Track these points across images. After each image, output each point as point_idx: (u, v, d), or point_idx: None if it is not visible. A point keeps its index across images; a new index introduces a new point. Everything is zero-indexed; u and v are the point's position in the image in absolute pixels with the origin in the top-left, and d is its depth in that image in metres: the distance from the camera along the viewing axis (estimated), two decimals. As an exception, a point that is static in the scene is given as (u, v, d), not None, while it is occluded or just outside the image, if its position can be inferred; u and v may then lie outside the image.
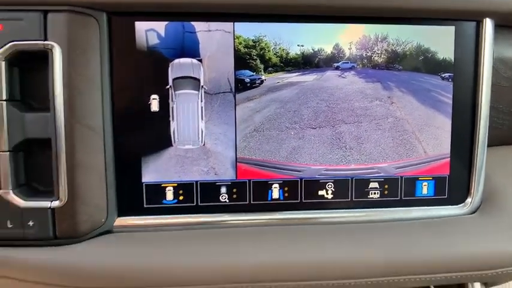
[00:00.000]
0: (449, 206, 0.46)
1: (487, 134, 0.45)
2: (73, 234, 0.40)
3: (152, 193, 0.43)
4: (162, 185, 0.43)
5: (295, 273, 0.40)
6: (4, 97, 0.38)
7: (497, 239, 0.43)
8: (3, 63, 0.37)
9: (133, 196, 0.42)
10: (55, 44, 0.38)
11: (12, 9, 0.38)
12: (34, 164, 0.40)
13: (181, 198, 0.43)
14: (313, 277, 0.40)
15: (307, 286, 0.41)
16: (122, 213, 0.42)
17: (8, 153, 0.38)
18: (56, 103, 0.38)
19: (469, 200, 0.46)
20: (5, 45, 0.37)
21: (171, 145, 0.42)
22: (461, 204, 0.46)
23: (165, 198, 0.43)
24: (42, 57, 0.38)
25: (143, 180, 0.42)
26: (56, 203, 0.39)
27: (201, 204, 0.43)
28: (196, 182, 0.43)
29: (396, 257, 0.41)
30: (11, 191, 0.39)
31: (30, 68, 0.39)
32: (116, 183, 0.42)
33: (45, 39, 0.38)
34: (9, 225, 0.39)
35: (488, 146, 0.48)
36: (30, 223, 0.39)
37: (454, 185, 0.46)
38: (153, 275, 0.39)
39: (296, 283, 0.40)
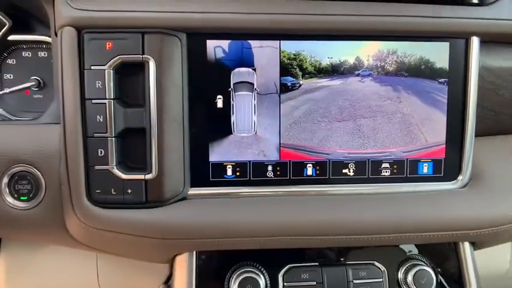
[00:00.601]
0: (444, 182, 0.59)
1: (474, 126, 0.58)
2: (160, 200, 0.53)
3: (216, 170, 0.56)
4: (224, 164, 0.56)
5: (324, 229, 0.53)
6: (112, 96, 0.51)
7: (481, 206, 0.56)
8: (112, 71, 0.51)
9: (203, 172, 0.55)
10: (150, 57, 0.51)
11: (120, 31, 0.51)
12: (130, 147, 0.53)
13: (238, 174, 0.56)
14: (339, 232, 0.53)
15: (335, 240, 0.53)
16: (194, 185, 0.55)
17: (114, 138, 0.51)
18: (150, 101, 0.51)
19: (460, 177, 0.58)
20: (113, 58, 0.50)
21: (231, 133, 0.55)
22: (454, 181, 0.59)
23: (226, 174, 0.56)
24: (138, 67, 0.51)
25: (210, 160, 0.55)
26: (149, 176, 0.52)
27: (253, 179, 0.56)
28: (250, 161, 0.56)
29: (401, 219, 0.54)
30: (115, 167, 0.52)
31: (127, 75, 0.52)
32: (190, 162, 0.54)
33: (143, 54, 0.51)
34: (113, 193, 0.52)
35: (477, 136, 0.60)
36: (129, 191, 0.52)
37: (448, 166, 0.58)
38: (219, 229, 0.52)
39: (325, 237, 0.53)
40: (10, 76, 0.66)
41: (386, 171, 0.58)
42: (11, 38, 0.64)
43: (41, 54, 0.66)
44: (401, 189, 0.58)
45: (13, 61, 0.65)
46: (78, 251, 0.68)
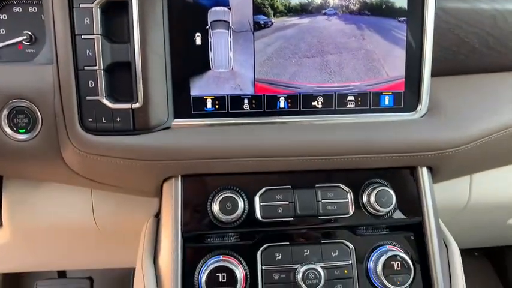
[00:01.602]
0: (404, 113, 0.65)
1: (431, 61, 0.64)
2: (146, 127, 0.59)
3: (197, 103, 0.61)
4: (204, 97, 0.61)
5: (295, 150, 0.60)
6: (100, 32, 0.56)
7: (436, 132, 0.62)
8: (98, 9, 0.55)
9: (185, 104, 0.61)
10: None
11: None
12: (117, 81, 0.58)
13: (217, 106, 0.62)
14: (309, 153, 0.60)
15: (306, 161, 0.60)
16: (177, 116, 0.61)
17: (102, 71, 0.57)
18: (134, 37, 0.56)
19: (418, 108, 0.65)
20: (100, -3, 0.55)
21: (210, 69, 0.61)
22: (413, 112, 0.65)
23: (206, 106, 0.62)
24: (122, 7, 0.56)
25: (191, 94, 0.61)
26: (135, 105, 0.58)
27: (231, 111, 0.62)
28: (227, 95, 0.62)
29: (365, 141, 0.61)
30: (104, 97, 0.57)
31: (113, 14, 0.57)
32: (173, 95, 0.60)
33: (126, -6, 0.56)
34: (104, 121, 0.58)
35: (437, 75, 0.66)
36: (118, 119, 0.58)
37: (407, 98, 0.65)
38: (201, 151, 0.59)
39: (296, 158, 0.60)
40: (2, 31, 0.70)
41: (351, 104, 0.64)
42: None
43: (32, 9, 0.70)
44: (365, 120, 0.64)
45: (4, 16, 0.70)
46: (73, 188, 0.74)
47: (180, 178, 0.63)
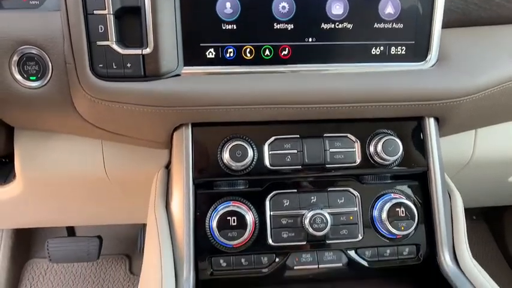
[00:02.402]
0: (414, 63, 0.65)
1: (442, 10, 0.63)
2: (156, 74, 0.59)
3: (207, 51, 0.61)
4: (214, 45, 0.61)
5: (305, 97, 0.60)
6: (108, -25, 0.55)
7: (445, 81, 0.63)
8: None
9: (194, 52, 0.61)
10: None
11: None
12: (127, 27, 0.58)
13: (227, 54, 0.62)
14: (319, 101, 0.60)
15: (316, 109, 0.61)
16: (187, 64, 0.61)
17: (112, 15, 0.56)
18: None
19: (428, 57, 0.65)
20: None
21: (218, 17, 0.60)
22: (423, 62, 0.65)
23: (216, 54, 0.61)
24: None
25: (201, 42, 0.61)
26: (145, 51, 0.58)
27: (240, 59, 0.62)
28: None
29: (374, 91, 0.61)
30: (114, 43, 0.57)
31: None
32: (183, 42, 0.60)
33: None
34: (114, 67, 0.58)
35: (448, 27, 0.65)
36: (128, 65, 0.58)
37: (417, 49, 0.64)
38: (211, 97, 0.60)
39: (306, 106, 0.60)
40: None
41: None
42: None
43: None
44: (374, 69, 0.64)
45: None
46: (84, 140, 0.75)
47: (190, 126, 0.64)
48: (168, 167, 0.77)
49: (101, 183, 0.80)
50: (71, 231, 1.53)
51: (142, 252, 1.53)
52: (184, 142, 0.64)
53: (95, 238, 1.45)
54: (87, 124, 0.65)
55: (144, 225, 1.54)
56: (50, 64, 0.60)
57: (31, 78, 0.61)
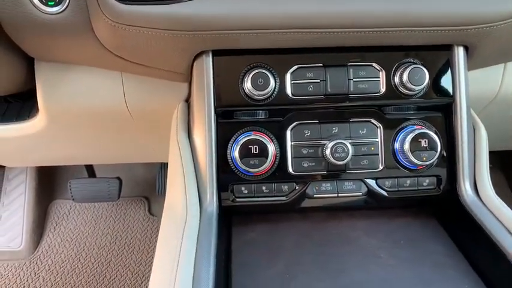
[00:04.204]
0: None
1: None
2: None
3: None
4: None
5: (328, 21, 0.58)
6: None
7: (477, 4, 0.59)
8: None
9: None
10: None
11: None
12: None
13: None
14: (338, 25, 0.58)
15: (341, 34, 0.59)
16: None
17: None
18: None
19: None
20: None
21: None
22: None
23: None
24: None
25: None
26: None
27: None
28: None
29: (402, 14, 0.58)
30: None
31: None
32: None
33: None
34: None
35: None
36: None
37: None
38: (234, 20, 0.57)
39: (328, 30, 0.58)
40: None
41: None
42: None
43: None
44: None
45: None
46: (105, 73, 0.75)
47: (210, 54, 0.63)
48: (188, 100, 0.77)
49: (122, 117, 0.81)
50: (91, 173, 1.58)
51: (161, 193, 1.59)
52: (205, 70, 0.63)
53: (114, 179, 1.50)
54: (107, 53, 0.65)
55: (162, 167, 1.59)
56: (67, -12, 0.58)
57: (49, 3, 0.59)
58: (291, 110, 0.65)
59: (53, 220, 1.63)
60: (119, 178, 1.50)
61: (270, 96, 0.63)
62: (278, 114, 0.65)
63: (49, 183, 1.67)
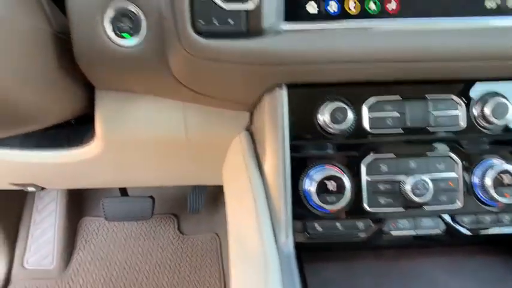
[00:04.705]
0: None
1: None
2: (258, 30, 0.55)
3: (309, 5, 0.57)
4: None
5: (413, 53, 0.56)
6: None
7: None
8: None
9: (296, 7, 0.56)
10: None
11: None
12: None
13: (330, 9, 0.57)
14: (427, 58, 0.56)
15: (423, 67, 0.57)
16: (288, 19, 0.57)
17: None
18: None
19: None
20: None
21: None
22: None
23: (319, 9, 0.57)
24: None
25: (304, -6, 0.56)
26: (250, 6, 0.54)
27: (340, 14, 0.58)
28: (341, -4, 0.57)
29: (489, 48, 0.56)
30: (214, -3, 0.54)
31: None
32: (285, -6, 0.56)
33: None
34: (216, 23, 0.55)
35: None
36: (230, 21, 0.55)
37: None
38: (312, 54, 0.56)
39: (413, 63, 0.56)
40: None
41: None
42: None
43: None
44: (489, 24, 0.58)
45: None
46: (166, 102, 0.73)
47: (285, 87, 0.61)
48: (248, 129, 0.75)
49: (179, 143, 0.79)
50: (122, 190, 1.57)
51: (193, 212, 1.57)
52: (279, 103, 0.61)
53: (147, 198, 1.49)
54: (177, 85, 0.63)
55: (196, 187, 1.57)
56: (144, 20, 0.57)
57: (124, 35, 0.58)
58: (367, 144, 0.63)
59: (82, 238, 1.61)
60: (152, 197, 1.49)
61: (347, 130, 0.61)
62: (353, 148, 0.63)
63: (79, 200, 1.66)
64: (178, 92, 0.65)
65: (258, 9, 0.54)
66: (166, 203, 1.70)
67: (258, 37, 0.55)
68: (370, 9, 0.58)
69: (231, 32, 0.55)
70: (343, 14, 0.57)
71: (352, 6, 0.57)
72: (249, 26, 0.55)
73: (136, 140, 0.78)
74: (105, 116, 0.75)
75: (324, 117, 0.60)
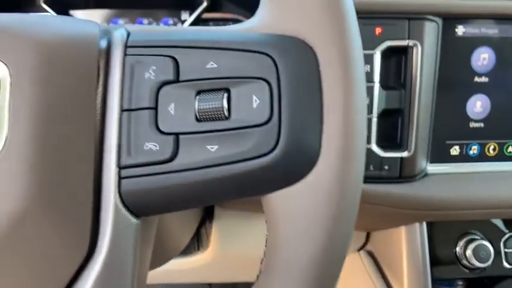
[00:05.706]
0: None
1: None
2: (410, 175, 0.58)
3: (454, 147, 0.60)
4: (458, 143, 0.60)
5: None
6: (377, 80, 0.55)
7: None
8: (379, 54, 0.54)
9: (441, 151, 0.59)
10: (417, 43, 0.54)
11: (389, 16, 0.54)
12: (381, 128, 0.57)
13: (474, 151, 0.60)
14: None
15: None
16: (433, 161, 0.60)
17: (375, 119, 0.56)
18: (412, 83, 0.55)
19: None
20: (383, 43, 0.54)
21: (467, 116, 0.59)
22: None
23: (465, 152, 0.60)
24: (401, 52, 0.55)
25: (446, 141, 0.59)
26: (405, 154, 0.57)
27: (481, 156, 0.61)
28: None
29: None
30: (374, 145, 0.56)
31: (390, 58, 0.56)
32: (432, 141, 0.58)
33: (409, 39, 0.54)
34: (372, 169, 0.57)
35: None
36: (386, 167, 0.57)
37: None
38: (455, 201, 0.58)
39: None
40: None
41: None
42: (205, 16, 0.69)
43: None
44: None
45: None
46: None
47: (425, 223, 0.63)
48: (360, 250, 0.76)
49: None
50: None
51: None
52: (419, 238, 0.62)
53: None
54: None
55: None
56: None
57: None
58: (505, 278, 0.63)
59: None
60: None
61: (488, 265, 0.62)
62: (490, 284, 0.63)
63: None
64: None
65: (414, 156, 0.57)
66: None
67: (409, 181, 0.58)
68: (507, 152, 0.61)
69: (385, 176, 0.57)
70: (482, 157, 0.61)
71: (491, 149, 0.60)
72: (403, 171, 0.57)
73: (245, 253, 0.78)
74: (221, 232, 0.75)
75: (467, 253, 0.61)
